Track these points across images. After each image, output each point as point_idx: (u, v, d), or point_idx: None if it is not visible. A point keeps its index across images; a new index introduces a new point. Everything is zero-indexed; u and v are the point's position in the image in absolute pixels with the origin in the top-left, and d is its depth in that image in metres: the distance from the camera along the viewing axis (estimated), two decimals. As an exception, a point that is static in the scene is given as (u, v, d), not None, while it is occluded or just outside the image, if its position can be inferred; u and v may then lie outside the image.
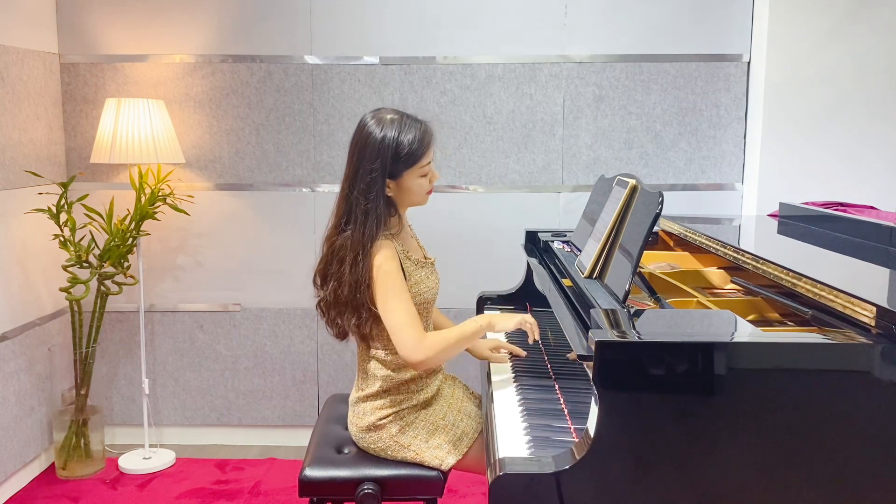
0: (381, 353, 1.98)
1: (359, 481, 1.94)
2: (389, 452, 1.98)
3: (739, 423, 1.32)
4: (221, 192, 3.33)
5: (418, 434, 1.96)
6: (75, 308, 3.09)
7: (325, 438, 2.13)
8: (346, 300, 1.91)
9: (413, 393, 2.00)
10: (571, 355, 2.12)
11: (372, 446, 2.00)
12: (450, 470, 1.98)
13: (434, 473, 1.96)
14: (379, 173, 1.87)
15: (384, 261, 1.86)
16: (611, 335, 1.35)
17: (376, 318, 1.91)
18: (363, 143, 1.89)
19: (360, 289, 1.87)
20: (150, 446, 3.29)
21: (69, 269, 3.03)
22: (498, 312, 2.24)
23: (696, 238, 2.29)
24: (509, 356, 2.16)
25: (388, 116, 1.90)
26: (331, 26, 3.23)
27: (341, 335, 2.04)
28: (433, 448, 1.95)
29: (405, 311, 1.85)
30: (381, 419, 1.97)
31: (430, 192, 1.99)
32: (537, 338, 1.98)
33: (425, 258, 2.06)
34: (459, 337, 1.91)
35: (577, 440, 1.47)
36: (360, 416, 2.01)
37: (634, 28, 3.20)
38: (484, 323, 1.95)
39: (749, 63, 3.20)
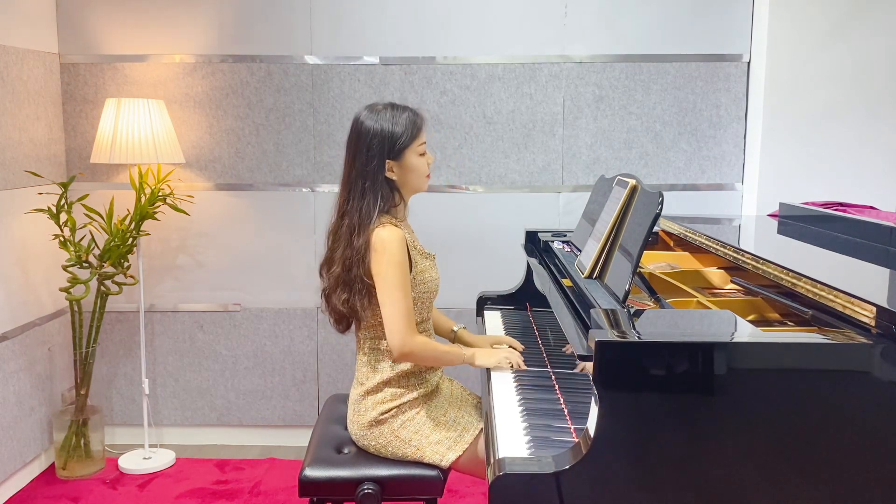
0: (382, 344, 2.02)
1: (359, 481, 1.95)
2: (390, 449, 1.98)
3: (739, 422, 1.32)
4: (221, 192, 3.33)
5: (419, 430, 1.98)
6: (75, 308, 3.09)
7: (325, 438, 2.13)
8: (339, 277, 1.98)
9: (413, 386, 2.02)
10: (567, 348, 2.15)
11: (373, 443, 2.00)
12: (450, 469, 1.99)
13: (434, 473, 1.96)
14: (378, 155, 1.94)
15: (393, 245, 1.91)
16: (611, 335, 1.35)
17: (368, 293, 1.95)
18: (359, 131, 1.97)
19: (355, 262, 1.94)
20: (150, 446, 3.29)
21: (69, 269, 3.03)
22: (492, 337, 2.30)
23: (696, 238, 2.29)
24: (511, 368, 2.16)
25: (380, 106, 2.00)
26: (331, 26, 3.23)
27: (340, 322, 2.06)
28: (434, 444, 1.96)
29: (405, 304, 1.92)
30: (382, 413, 1.99)
31: (428, 176, 2.06)
32: (523, 366, 2.04)
33: (428, 252, 2.11)
34: (445, 352, 2.03)
35: (577, 440, 1.47)
36: (362, 413, 2.02)
37: (634, 28, 3.20)
38: (467, 355, 2.05)
39: (749, 63, 3.20)
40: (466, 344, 2.27)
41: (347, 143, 2.00)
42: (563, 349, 2.22)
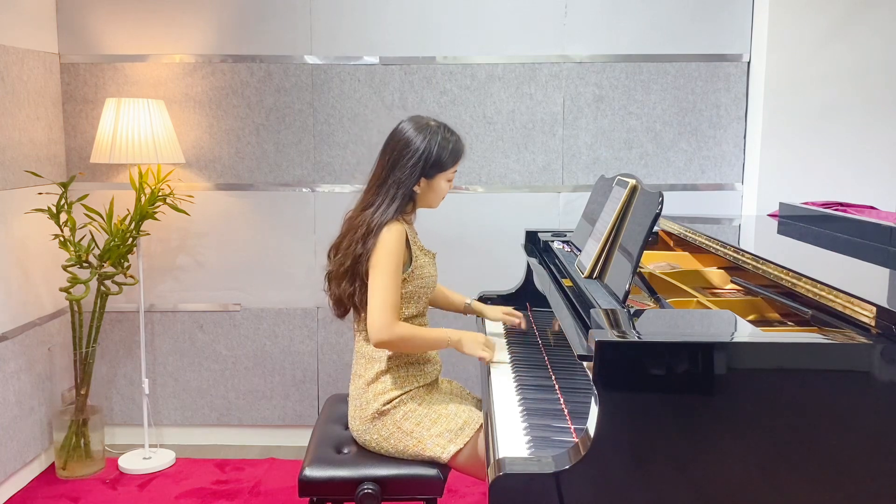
0: None
1: (359, 481, 1.95)
2: (392, 441, 1.99)
3: (739, 422, 1.32)
4: (221, 192, 3.33)
5: (421, 421, 1.99)
6: (75, 308, 3.09)
7: (324, 438, 2.13)
8: (346, 269, 2.04)
9: (413, 376, 2.06)
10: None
11: (375, 436, 2.01)
12: (450, 467, 1.99)
13: (434, 472, 1.96)
14: (417, 170, 2.03)
15: (391, 237, 1.97)
16: (611, 335, 1.35)
17: (365, 288, 2.02)
18: (405, 142, 2.04)
19: (362, 261, 2.00)
20: (150, 446, 3.29)
21: (69, 269, 3.03)
22: (502, 308, 2.44)
23: (696, 238, 2.29)
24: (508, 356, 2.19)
25: (432, 123, 2.07)
26: (331, 26, 3.23)
27: (339, 308, 2.12)
28: (435, 436, 1.97)
29: (390, 292, 1.96)
30: (385, 404, 2.01)
31: (443, 198, 2.15)
32: (493, 360, 2.10)
33: (428, 250, 2.16)
34: (427, 337, 2.05)
35: (577, 440, 1.47)
36: (364, 407, 2.03)
37: (634, 28, 3.20)
38: (454, 339, 2.07)
39: (749, 63, 3.20)
40: (478, 312, 2.40)
41: (388, 146, 2.07)
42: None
